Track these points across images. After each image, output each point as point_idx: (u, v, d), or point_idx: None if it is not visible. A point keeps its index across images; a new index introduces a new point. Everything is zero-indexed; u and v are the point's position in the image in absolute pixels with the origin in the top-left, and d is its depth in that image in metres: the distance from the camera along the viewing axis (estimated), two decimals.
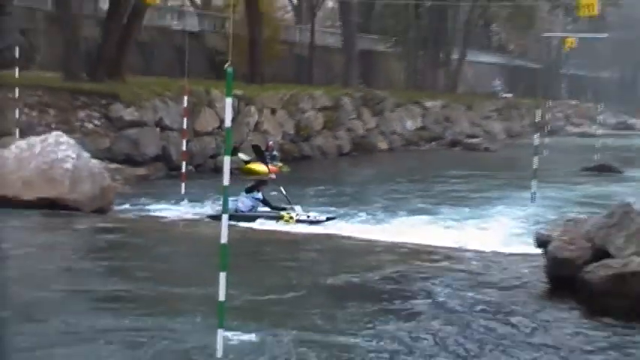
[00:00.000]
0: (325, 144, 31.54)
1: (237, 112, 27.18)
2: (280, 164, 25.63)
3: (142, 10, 27.74)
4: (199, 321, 7.34)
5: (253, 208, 15.44)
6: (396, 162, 32.15)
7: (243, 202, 15.32)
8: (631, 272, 8.27)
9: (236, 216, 14.72)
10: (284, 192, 15.87)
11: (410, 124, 39.09)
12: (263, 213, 15.36)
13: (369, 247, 12.43)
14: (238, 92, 27.31)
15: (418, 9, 48.77)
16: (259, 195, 15.60)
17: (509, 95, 58.26)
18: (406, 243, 12.95)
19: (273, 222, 15.02)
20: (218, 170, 19.97)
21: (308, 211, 15.61)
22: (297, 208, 15.54)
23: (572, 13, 46.71)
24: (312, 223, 15.09)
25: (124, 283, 8.93)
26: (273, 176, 16.09)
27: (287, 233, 13.82)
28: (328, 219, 15.29)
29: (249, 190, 15.50)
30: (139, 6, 26.62)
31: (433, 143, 39.21)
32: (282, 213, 15.42)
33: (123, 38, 27.02)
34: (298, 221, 15.15)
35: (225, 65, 6.15)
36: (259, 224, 14.78)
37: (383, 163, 31.41)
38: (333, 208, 16.29)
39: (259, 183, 15.88)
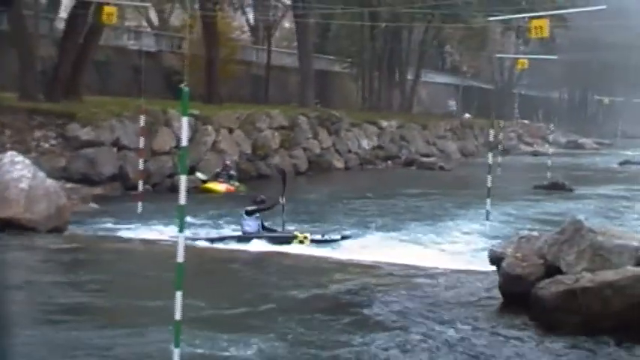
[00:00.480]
0: (282, 163, 31.53)
1: (194, 132, 27.07)
2: (237, 183, 25.55)
3: (99, 30, 27.57)
4: (155, 337, 7.28)
5: (259, 229, 15.06)
6: (353, 181, 32.21)
7: (249, 224, 15.00)
8: (581, 288, 8.37)
9: (246, 238, 14.58)
10: (283, 215, 15.53)
11: (366, 144, 39.24)
12: (273, 234, 15.02)
13: (327, 264, 12.45)
14: (195, 112, 27.20)
15: (373, 30, 49.09)
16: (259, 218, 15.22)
17: (469, 116, 58.84)
18: (363, 260, 13.00)
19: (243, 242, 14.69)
20: (175, 189, 19.77)
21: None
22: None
23: (524, 34, 47.34)
24: (326, 242, 14.89)
25: (80, 297, 8.84)
26: (282, 200, 15.45)
27: (248, 252, 13.79)
28: (343, 237, 15.07)
29: (249, 213, 15.09)
30: (95, 25, 26.45)
31: (389, 162, 39.37)
32: (296, 233, 15.15)
33: (79, 58, 26.81)
34: (312, 241, 14.93)
35: (181, 85, 6.14)
36: (268, 245, 14.43)
37: (339, 181, 31.47)
38: (292, 227, 16.26)
39: (260, 204, 15.36)
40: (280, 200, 15.39)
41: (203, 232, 15.85)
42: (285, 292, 9.93)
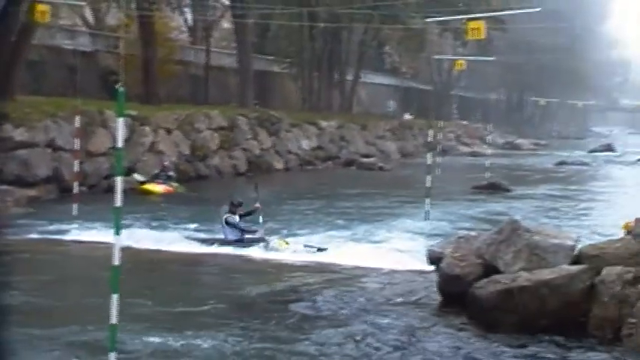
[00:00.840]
0: (221, 164, 31.35)
1: (131, 132, 26.76)
2: (176, 184, 25.34)
3: (32, 29, 27.05)
4: (95, 336, 7.19)
5: (242, 235, 14.88)
6: (293, 181, 32.18)
7: (232, 231, 14.84)
8: (518, 287, 8.49)
9: (233, 243, 14.46)
10: (261, 219, 15.44)
11: (306, 144, 39.25)
12: (252, 238, 14.84)
13: (266, 266, 12.43)
14: (132, 112, 26.89)
15: (312, 30, 49.10)
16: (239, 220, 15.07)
17: (409, 116, 59.22)
18: (305, 260, 13.01)
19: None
20: (112, 191, 19.53)
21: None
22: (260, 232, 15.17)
23: (461, 36, 47.88)
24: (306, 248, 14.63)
25: (16, 298, 8.68)
26: (257, 205, 15.37)
27: (187, 254, 13.70)
28: (319, 250, 14.54)
29: (228, 223, 14.91)
30: (28, 24, 25.95)
31: (329, 162, 39.43)
32: (274, 238, 15.00)
33: (12, 57, 26.26)
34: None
35: (117, 85, 6.07)
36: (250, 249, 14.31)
37: (279, 182, 31.41)
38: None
39: (237, 207, 15.23)
40: (257, 205, 15.38)
41: (151, 235, 15.58)
42: (231, 291, 9.92)
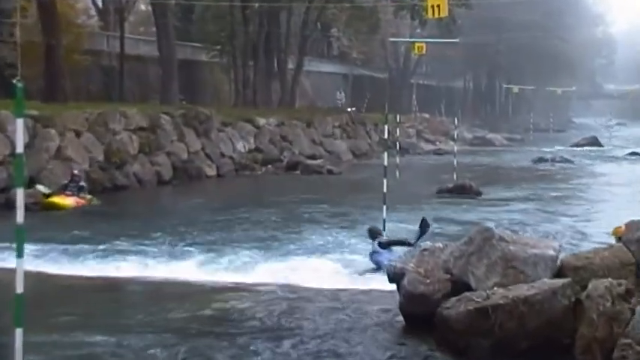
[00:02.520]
0: (142, 171, 31.13)
1: (32, 136, 26.44)
2: (89, 196, 25.09)
3: None
4: None
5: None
6: (227, 190, 32.01)
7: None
8: (493, 305, 8.55)
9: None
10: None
11: (241, 146, 39.15)
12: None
13: (196, 288, 12.40)
14: (34, 112, 26.57)
15: (245, 12, 48.91)
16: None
17: (354, 109, 59.44)
18: (244, 282, 13.02)
19: None
20: (10, 205, 19.26)
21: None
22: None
23: (420, 15, 48.17)
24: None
25: None
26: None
27: (106, 278, 13.63)
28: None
29: (384, 245, 15.14)
30: None
31: (269, 167, 39.36)
32: None
33: None
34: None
35: (15, 80, 5.99)
36: None
37: (211, 191, 31.25)
38: (155, 249, 16.13)
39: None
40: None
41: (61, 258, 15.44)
42: (155, 318, 9.86)
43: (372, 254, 15.18)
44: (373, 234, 15.75)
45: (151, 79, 47.08)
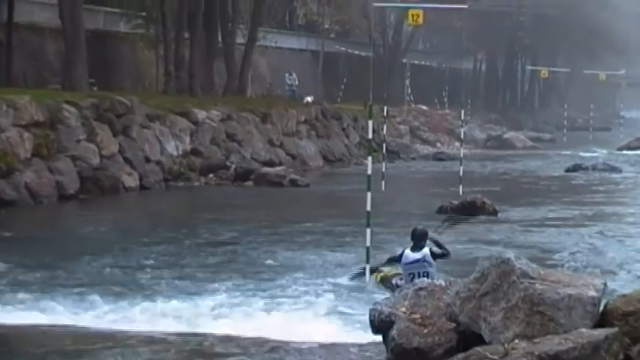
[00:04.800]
0: (37, 182, 30.95)
1: None
2: None
3: None
4: None
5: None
6: (153, 208, 31.78)
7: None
8: None
9: None
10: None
11: (173, 148, 39.00)
12: None
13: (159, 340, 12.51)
14: None
15: None
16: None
17: (310, 100, 59.15)
18: (189, 332, 13.09)
19: None
20: None
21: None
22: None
23: None
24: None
25: None
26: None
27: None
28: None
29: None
30: None
31: (211, 176, 39.21)
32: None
33: None
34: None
35: None
36: None
37: (131, 209, 31.11)
38: (55, 294, 16.13)
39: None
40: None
41: None
42: None
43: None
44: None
45: (49, 56, 46.84)
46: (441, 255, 16.55)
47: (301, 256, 20.58)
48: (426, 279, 15.72)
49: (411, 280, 15.90)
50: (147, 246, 22.03)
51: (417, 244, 16.42)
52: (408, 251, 16.41)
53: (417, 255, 16.29)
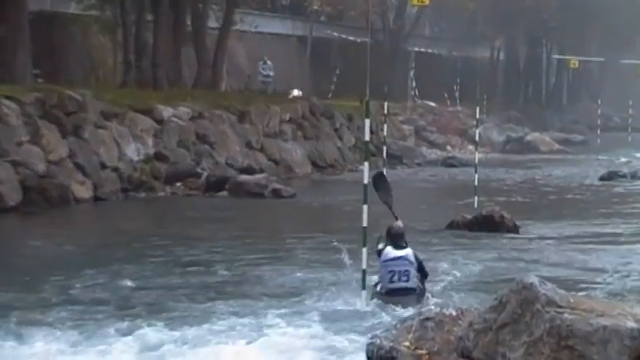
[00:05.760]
0: None
1: None
2: None
3: None
4: None
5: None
6: (108, 222, 31.70)
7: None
8: None
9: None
10: None
11: (133, 151, 38.97)
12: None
13: None
14: None
15: None
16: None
17: (298, 93, 59.07)
18: None
19: None
20: None
21: None
22: None
23: None
24: None
25: None
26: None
27: None
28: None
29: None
30: None
31: (178, 185, 39.18)
32: None
33: None
34: None
35: None
36: None
37: (83, 224, 31.09)
38: None
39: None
40: None
41: None
42: None
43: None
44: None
45: None
46: (424, 273, 17.99)
47: (285, 279, 20.58)
48: (406, 280, 17.47)
49: (390, 279, 17.38)
50: (101, 267, 21.98)
51: (397, 243, 17.60)
52: (389, 248, 17.46)
53: (399, 252, 17.43)
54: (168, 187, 39.02)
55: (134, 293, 19.21)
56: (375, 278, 18.07)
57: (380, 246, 17.87)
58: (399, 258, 17.22)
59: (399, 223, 18.16)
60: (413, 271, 17.32)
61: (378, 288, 17.85)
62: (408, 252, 17.44)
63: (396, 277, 17.38)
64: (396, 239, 17.68)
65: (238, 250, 24.54)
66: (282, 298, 18.72)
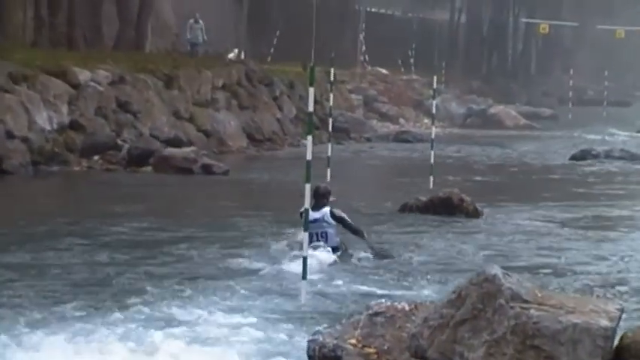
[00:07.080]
0: None
1: None
2: None
3: None
4: None
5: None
6: (15, 199, 31.59)
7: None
8: None
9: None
10: None
11: (45, 120, 38.87)
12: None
13: None
14: None
15: None
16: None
17: (233, 55, 58.95)
18: None
19: None
20: None
21: None
22: None
23: None
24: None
25: None
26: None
27: None
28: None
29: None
30: None
31: (96, 159, 39.10)
32: None
33: None
34: None
35: None
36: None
37: None
38: None
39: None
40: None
41: None
42: None
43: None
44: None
45: None
46: (352, 229, 19.93)
47: (215, 265, 20.59)
48: (322, 242, 19.24)
49: (309, 241, 18.19)
50: (9, 252, 21.92)
51: (318, 202, 19.42)
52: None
53: (316, 214, 19.13)
54: (84, 160, 38.91)
55: (44, 282, 19.18)
56: None
57: (301, 209, 18.24)
58: (316, 220, 18.71)
59: (326, 184, 20.15)
60: (332, 232, 19.11)
61: None
62: (324, 212, 19.16)
63: (314, 239, 18.83)
64: (317, 198, 19.11)
65: (160, 232, 24.52)
66: (214, 286, 18.72)
